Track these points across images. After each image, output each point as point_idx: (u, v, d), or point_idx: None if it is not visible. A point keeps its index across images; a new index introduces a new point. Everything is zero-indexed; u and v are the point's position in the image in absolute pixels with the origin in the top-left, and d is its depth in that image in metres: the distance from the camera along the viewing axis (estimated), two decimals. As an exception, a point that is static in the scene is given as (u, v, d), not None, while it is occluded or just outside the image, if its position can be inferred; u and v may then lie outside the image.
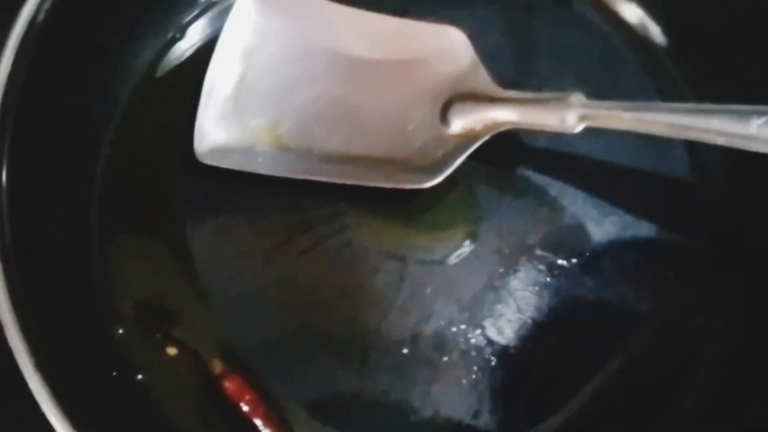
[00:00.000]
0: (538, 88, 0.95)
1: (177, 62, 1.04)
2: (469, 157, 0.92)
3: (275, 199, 0.96)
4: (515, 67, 1.04)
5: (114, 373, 0.87)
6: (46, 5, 0.89)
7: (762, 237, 0.93)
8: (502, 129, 0.93)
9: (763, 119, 0.81)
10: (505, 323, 0.92)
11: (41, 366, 0.77)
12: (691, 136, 0.84)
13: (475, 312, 0.92)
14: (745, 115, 0.82)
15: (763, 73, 0.94)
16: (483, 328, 0.91)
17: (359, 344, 0.90)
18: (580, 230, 0.96)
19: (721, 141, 0.83)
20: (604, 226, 0.96)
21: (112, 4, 0.96)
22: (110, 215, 0.96)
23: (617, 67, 1.05)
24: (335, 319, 0.92)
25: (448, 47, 0.98)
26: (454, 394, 0.89)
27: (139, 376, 0.88)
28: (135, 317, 0.90)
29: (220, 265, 0.94)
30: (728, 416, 0.86)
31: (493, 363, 0.90)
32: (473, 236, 0.95)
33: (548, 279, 0.94)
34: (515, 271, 0.94)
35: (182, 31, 1.05)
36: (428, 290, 0.93)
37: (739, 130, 0.81)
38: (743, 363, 0.89)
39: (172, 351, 0.89)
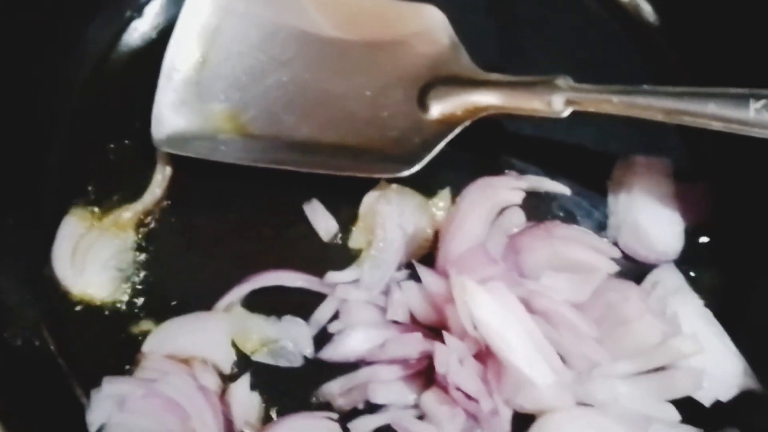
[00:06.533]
0: (522, 71, 0.89)
1: (134, 44, 0.98)
2: (449, 144, 0.87)
3: (239, 190, 0.90)
4: (498, 48, 0.99)
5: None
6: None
7: (758, 225, 0.88)
8: (484, 114, 0.87)
9: (761, 103, 0.77)
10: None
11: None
12: (686, 121, 0.80)
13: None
14: (743, 99, 0.78)
15: (761, 54, 0.88)
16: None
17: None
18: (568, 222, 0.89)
19: (717, 126, 0.79)
20: (593, 217, 0.90)
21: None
22: (63, 205, 0.89)
23: (607, 48, 0.99)
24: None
25: (426, 27, 0.93)
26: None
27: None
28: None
29: (179, 261, 0.88)
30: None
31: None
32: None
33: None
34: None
35: (139, 10, 0.99)
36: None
37: (736, 114, 0.78)
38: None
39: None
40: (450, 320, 0.77)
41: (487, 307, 0.73)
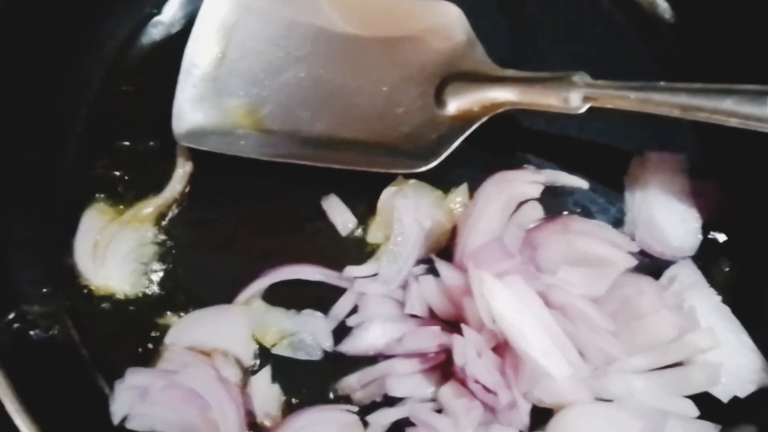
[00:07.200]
0: (538, 67, 0.89)
1: (153, 40, 0.99)
2: (465, 140, 0.87)
3: (258, 185, 0.91)
4: (514, 44, 0.99)
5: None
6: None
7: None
8: (500, 110, 0.88)
9: (779, 100, 0.76)
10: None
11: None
12: (703, 117, 0.80)
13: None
14: (761, 96, 0.77)
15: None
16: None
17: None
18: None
19: (733, 123, 0.78)
20: (609, 213, 0.91)
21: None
22: (82, 199, 0.90)
23: (621, 45, 1.00)
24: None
25: (443, 23, 0.93)
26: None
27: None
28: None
29: (199, 254, 0.88)
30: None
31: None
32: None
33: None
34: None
35: (158, 6, 1.00)
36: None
37: (753, 111, 0.77)
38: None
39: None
40: (468, 314, 0.78)
41: (505, 301, 0.74)
